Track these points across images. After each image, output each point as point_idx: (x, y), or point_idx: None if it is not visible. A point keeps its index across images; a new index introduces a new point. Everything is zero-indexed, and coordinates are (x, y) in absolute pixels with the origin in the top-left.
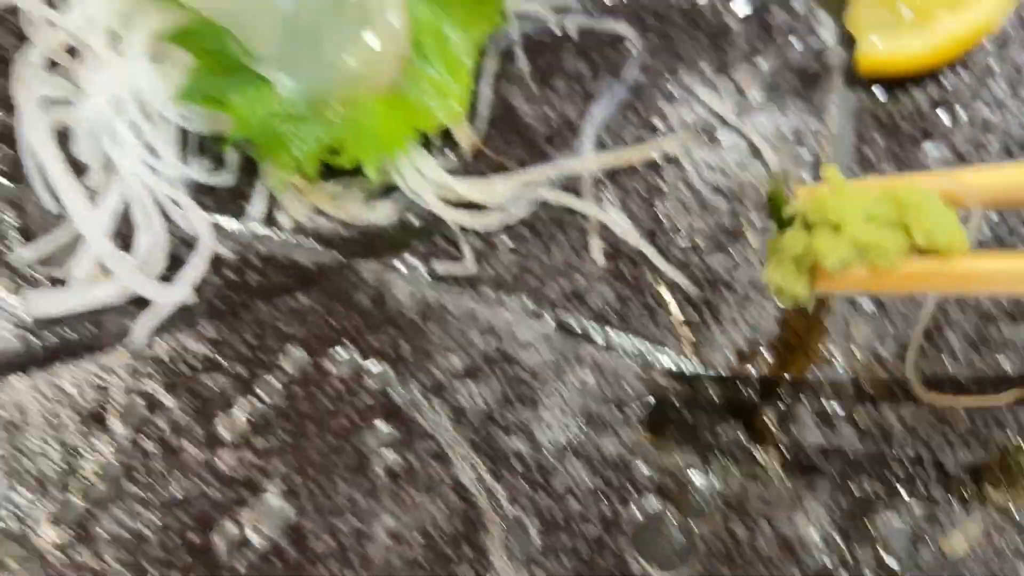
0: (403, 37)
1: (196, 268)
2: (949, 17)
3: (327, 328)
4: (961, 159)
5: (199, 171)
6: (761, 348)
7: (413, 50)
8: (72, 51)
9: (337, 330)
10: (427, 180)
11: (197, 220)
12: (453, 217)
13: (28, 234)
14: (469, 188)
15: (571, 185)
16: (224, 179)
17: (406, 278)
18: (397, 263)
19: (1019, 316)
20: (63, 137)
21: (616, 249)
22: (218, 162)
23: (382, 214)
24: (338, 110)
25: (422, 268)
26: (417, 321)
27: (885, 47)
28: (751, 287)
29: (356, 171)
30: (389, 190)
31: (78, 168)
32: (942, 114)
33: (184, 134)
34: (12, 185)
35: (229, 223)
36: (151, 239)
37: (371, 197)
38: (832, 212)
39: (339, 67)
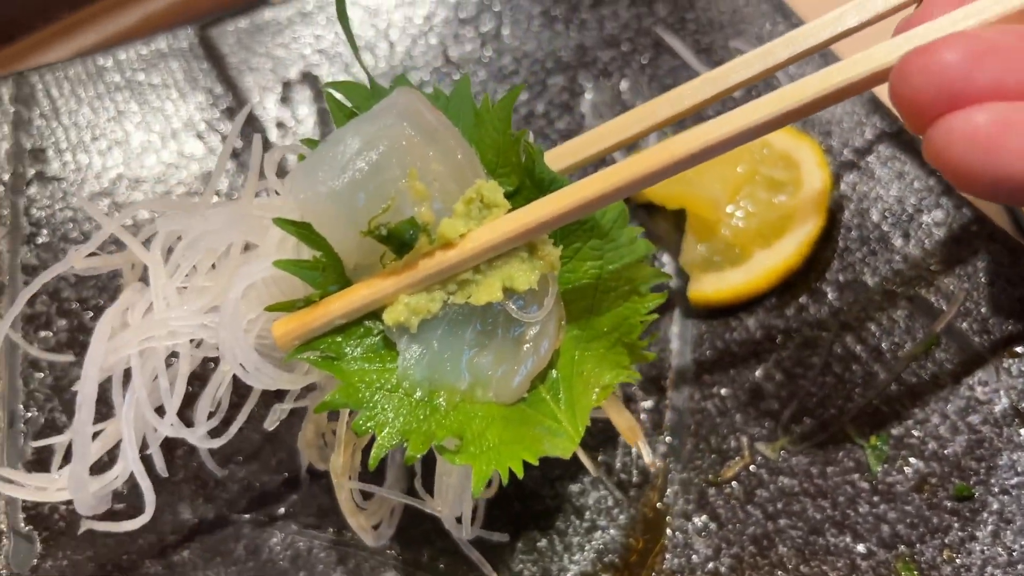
0: (543, 365)
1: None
2: (764, 254)
3: None
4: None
5: (202, 438)
6: None
7: (546, 373)
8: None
9: None
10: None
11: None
12: None
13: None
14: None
15: None
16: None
17: None
18: None
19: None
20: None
21: None
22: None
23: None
24: (452, 401)
25: None
26: None
27: (711, 284)
28: None
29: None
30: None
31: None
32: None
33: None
34: None
35: None
36: (114, 479)
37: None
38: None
39: (476, 373)
